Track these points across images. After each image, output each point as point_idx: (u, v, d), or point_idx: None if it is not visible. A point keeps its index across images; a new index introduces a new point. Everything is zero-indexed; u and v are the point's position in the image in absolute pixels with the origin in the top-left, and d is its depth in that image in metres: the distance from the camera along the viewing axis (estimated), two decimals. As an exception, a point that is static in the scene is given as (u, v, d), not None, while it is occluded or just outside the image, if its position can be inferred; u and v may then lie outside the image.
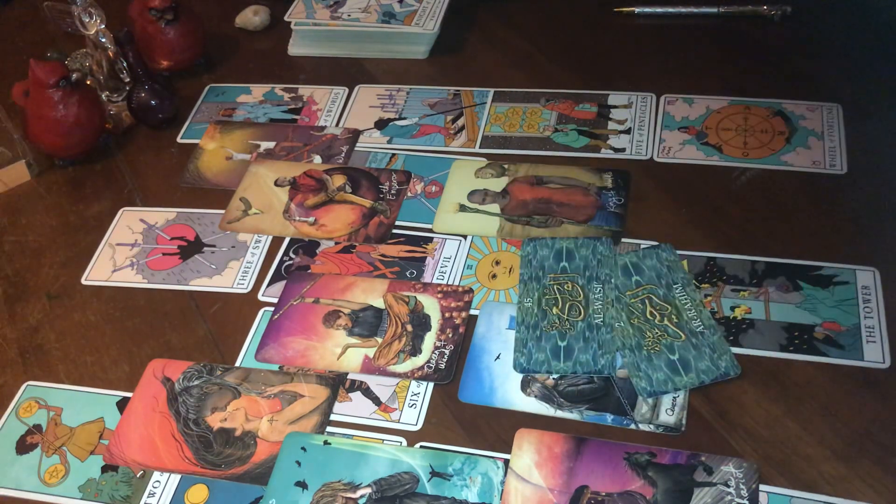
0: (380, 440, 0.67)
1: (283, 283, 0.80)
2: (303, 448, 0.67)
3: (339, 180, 0.89)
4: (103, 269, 0.85)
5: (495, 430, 0.67)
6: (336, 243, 0.83)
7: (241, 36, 1.12)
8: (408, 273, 0.79)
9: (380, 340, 0.73)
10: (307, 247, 0.83)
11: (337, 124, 0.96)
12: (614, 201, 0.81)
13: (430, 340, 0.73)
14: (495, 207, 0.83)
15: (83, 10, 0.94)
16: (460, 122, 0.93)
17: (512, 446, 0.65)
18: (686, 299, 0.72)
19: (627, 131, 0.89)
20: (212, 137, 0.97)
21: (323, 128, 0.96)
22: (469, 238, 0.81)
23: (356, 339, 0.74)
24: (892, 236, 0.75)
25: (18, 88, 0.95)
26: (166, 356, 0.76)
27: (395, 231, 0.83)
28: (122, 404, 0.73)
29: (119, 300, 0.82)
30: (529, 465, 0.63)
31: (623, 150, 0.87)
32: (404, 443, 0.67)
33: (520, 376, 0.69)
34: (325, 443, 0.67)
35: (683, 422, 0.65)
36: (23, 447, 0.71)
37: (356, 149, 0.93)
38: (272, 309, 0.78)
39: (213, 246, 0.85)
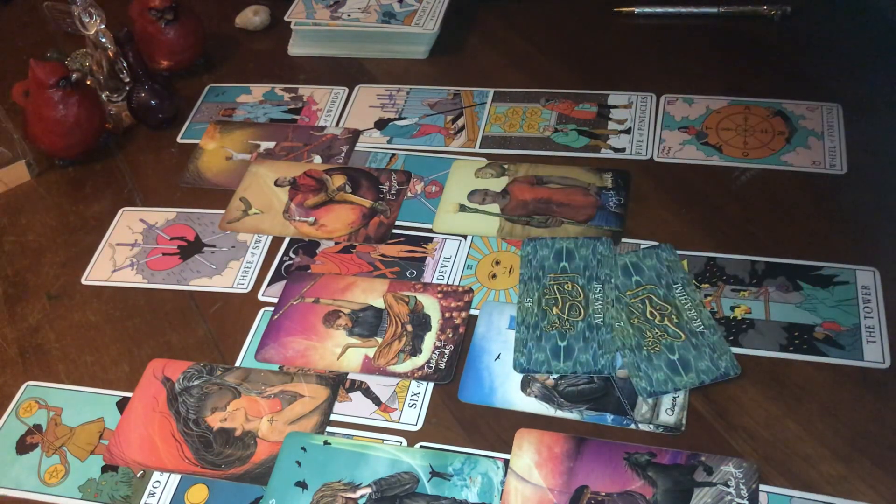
0: (380, 440, 0.67)
1: (283, 283, 0.80)
2: (303, 448, 0.67)
3: (339, 180, 0.89)
4: (103, 269, 0.85)
5: (495, 430, 0.67)
6: (336, 243, 0.83)
7: (241, 36, 1.12)
8: (408, 273, 0.79)
9: (380, 340, 0.73)
10: (307, 247, 0.83)
11: (337, 124, 0.96)
12: (614, 201, 0.81)
13: (430, 340, 0.73)
14: (495, 207, 0.83)
15: (83, 10, 0.94)
16: (460, 122, 0.93)
17: (512, 446, 0.65)
18: (686, 299, 0.72)
19: (627, 131, 0.89)
20: (212, 137, 0.97)
21: (323, 128, 0.96)
22: (469, 238, 0.81)
23: (356, 339, 0.74)
24: (892, 236, 0.75)
25: (18, 88, 0.95)
26: (166, 356, 0.76)
27: (395, 231, 0.83)
28: (122, 404, 0.73)
29: (119, 300, 0.82)
30: (529, 465, 0.63)
31: (623, 150, 0.87)
32: (404, 443, 0.67)
33: (520, 376, 0.69)
34: (325, 443, 0.67)
35: (683, 422, 0.65)
36: (23, 447, 0.71)
37: (356, 149, 0.93)
38: (272, 309, 0.78)
39: (213, 246, 0.85)
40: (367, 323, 0.75)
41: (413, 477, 0.64)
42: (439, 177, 0.87)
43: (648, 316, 0.71)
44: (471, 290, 0.76)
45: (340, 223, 0.85)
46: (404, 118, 0.95)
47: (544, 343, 0.70)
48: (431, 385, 0.70)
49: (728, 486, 0.60)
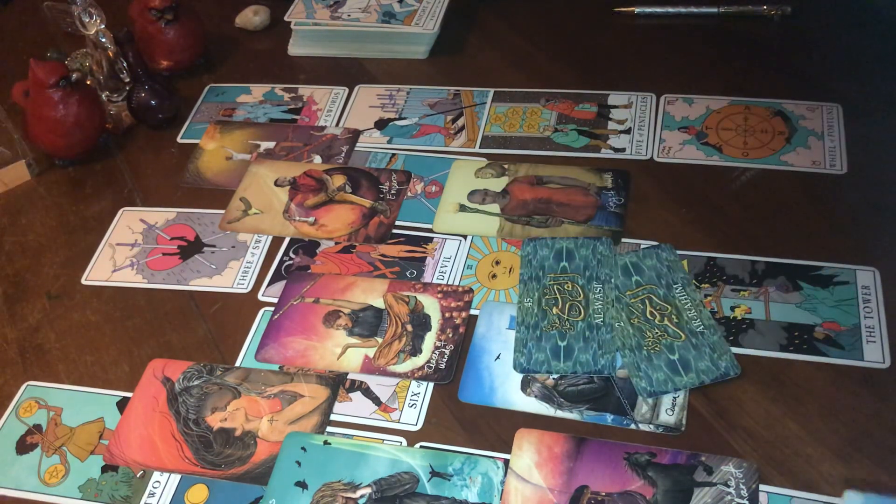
0: (380, 440, 0.67)
1: (283, 283, 0.80)
2: (303, 448, 0.67)
3: (339, 180, 0.89)
4: (103, 269, 0.85)
5: (495, 430, 0.67)
6: (336, 243, 0.83)
7: (241, 36, 1.12)
8: (408, 273, 0.79)
9: (380, 340, 0.73)
10: (307, 247, 0.83)
11: (337, 124, 0.96)
12: (614, 201, 0.82)
13: (430, 340, 0.73)
14: (495, 207, 0.83)
15: (83, 10, 0.94)
16: (460, 122, 0.93)
17: (512, 446, 0.65)
18: (686, 299, 0.72)
19: (627, 131, 0.89)
20: (212, 137, 0.97)
21: (323, 128, 0.96)
22: (469, 238, 0.81)
23: (356, 339, 0.74)
24: (892, 236, 0.75)
25: (18, 88, 0.95)
26: (166, 356, 0.76)
27: (395, 231, 0.83)
28: (122, 404, 0.73)
29: (119, 300, 0.82)
30: (529, 465, 0.63)
31: (623, 150, 0.87)
32: (404, 443, 0.67)
33: (520, 376, 0.69)
34: (325, 443, 0.67)
35: (683, 422, 0.65)
36: (23, 447, 0.71)
37: (356, 149, 0.93)
38: (272, 309, 0.78)
39: (213, 246, 0.85)
40: (367, 323, 0.75)
41: (413, 477, 0.64)
42: (439, 177, 0.87)
43: (648, 316, 0.71)
44: (471, 290, 0.76)
45: (340, 223, 0.85)
46: (404, 118, 0.95)
47: (544, 343, 0.70)
48: (431, 385, 0.70)
49: (728, 486, 0.60)
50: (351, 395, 0.70)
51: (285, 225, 0.85)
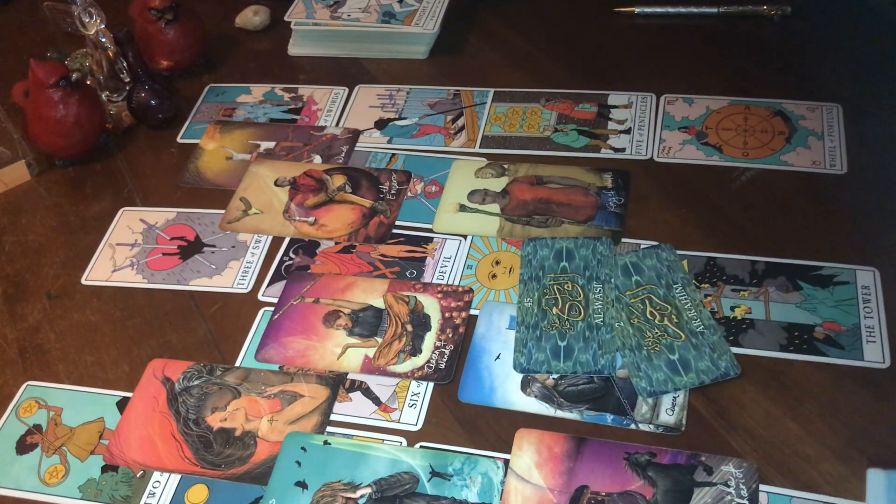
0: (380, 440, 0.67)
1: (283, 283, 0.80)
2: (303, 448, 0.67)
3: (339, 180, 0.89)
4: (103, 269, 0.85)
5: (495, 430, 0.67)
6: (336, 243, 0.83)
7: (241, 36, 1.12)
8: (408, 273, 0.79)
9: (380, 340, 0.73)
10: (307, 247, 0.83)
11: (337, 124, 0.96)
12: (614, 201, 0.82)
13: (430, 340, 0.73)
14: (495, 207, 0.83)
15: (83, 10, 0.94)
16: (460, 122, 0.93)
17: (512, 446, 0.65)
18: (686, 299, 0.72)
19: (627, 131, 0.89)
20: (212, 137, 0.97)
21: (323, 128, 0.96)
22: (469, 238, 0.81)
23: (356, 339, 0.74)
24: (892, 236, 0.75)
25: (18, 88, 0.95)
26: (166, 356, 0.76)
27: (395, 231, 0.83)
28: (122, 404, 0.73)
29: (119, 300, 0.82)
30: (529, 465, 0.63)
31: (623, 150, 0.87)
32: (404, 443, 0.67)
33: (520, 376, 0.69)
34: (325, 443, 0.67)
35: (683, 422, 0.65)
36: (23, 447, 0.71)
37: (356, 149, 0.93)
38: (272, 309, 0.78)
39: (213, 246, 0.85)
40: (367, 323, 0.75)
41: (413, 477, 0.64)
42: (439, 177, 0.87)
43: (648, 316, 0.71)
44: (471, 290, 0.76)
45: (340, 223, 0.85)
46: (404, 118, 0.95)
47: (544, 343, 0.70)
48: (431, 385, 0.70)
49: (728, 486, 0.60)
50: (351, 395, 0.70)
51: (285, 225, 0.85)
